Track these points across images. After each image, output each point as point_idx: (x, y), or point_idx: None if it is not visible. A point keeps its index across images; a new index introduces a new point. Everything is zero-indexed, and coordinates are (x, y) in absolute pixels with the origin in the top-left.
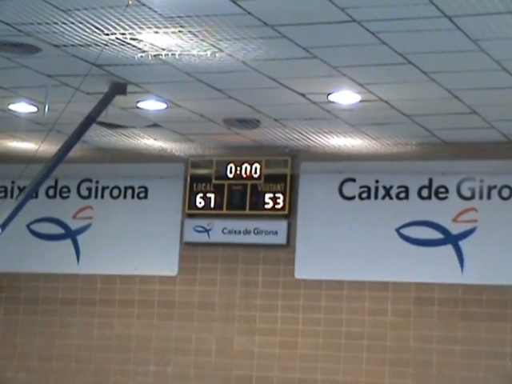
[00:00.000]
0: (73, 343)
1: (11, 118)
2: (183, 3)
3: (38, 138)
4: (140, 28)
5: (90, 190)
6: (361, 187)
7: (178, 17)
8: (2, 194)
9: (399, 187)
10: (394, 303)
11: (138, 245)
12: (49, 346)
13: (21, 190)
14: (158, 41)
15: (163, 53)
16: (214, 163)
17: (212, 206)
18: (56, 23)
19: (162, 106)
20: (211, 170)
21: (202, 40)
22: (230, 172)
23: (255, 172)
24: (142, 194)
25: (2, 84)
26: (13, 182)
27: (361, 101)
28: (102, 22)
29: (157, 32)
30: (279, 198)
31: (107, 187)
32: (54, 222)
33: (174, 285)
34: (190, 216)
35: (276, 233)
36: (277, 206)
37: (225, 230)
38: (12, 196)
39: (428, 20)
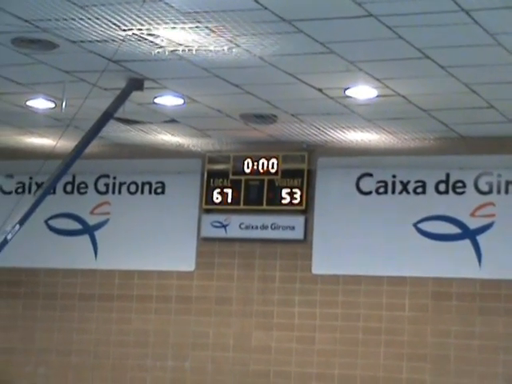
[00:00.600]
0: (91, 338)
1: (29, 114)
2: None
3: (56, 134)
4: (157, 23)
5: (107, 185)
6: (378, 182)
7: (195, 12)
8: (20, 190)
9: (416, 182)
10: (411, 298)
11: (155, 240)
12: (67, 341)
13: (39, 185)
14: (175, 36)
15: (180, 48)
16: (231, 158)
17: (229, 201)
18: (73, 19)
19: (179, 101)
20: (228, 166)
21: (218, 35)
22: (247, 167)
23: (272, 167)
24: (159, 190)
25: (20, 80)
26: (31, 178)
27: (378, 96)
28: (119, 18)
29: (174, 27)
30: (296, 193)
31: (124, 183)
32: (71, 218)
33: (191, 280)
34: (207, 211)
35: (293, 228)
36: (294, 201)
37: (242, 226)
38: (30, 192)
39: (445, 14)
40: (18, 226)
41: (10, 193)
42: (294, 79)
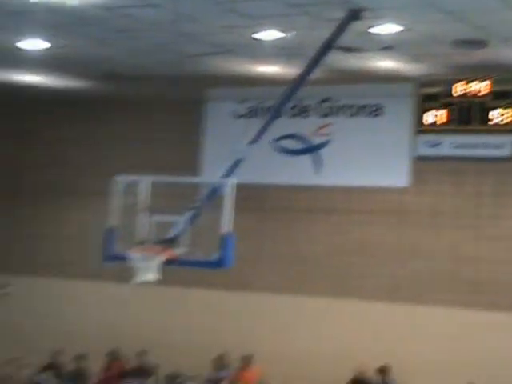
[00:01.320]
0: (315, 249)
1: (257, 45)
2: None
3: (282, 63)
4: None
5: (329, 108)
6: None
7: None
8: (252, 114)
9: None
10: None
11: (372, 159)
12: (293, 250)
13: (267, 109)
14: None
15: None
16: (443, 82)
17: (441, 122)
18: None
19: (394, 29)
20: (440, 89)
21: None
22: (459, 90)
23: (483, 89)
24: (376, 112)
25: (249, 12)
26: (260, 103)
27: None
28: None
29: None
30: (506, 113)
31: (344, 106)
32: (296, 139)
33: (406, 195)
34: (421, 132)
35: (503, 146)
36: (504, 121)
37: (453, 145)
38: (259, 115)
39: None
40: (249, 147)
41: (242, 116)
42: (505, 4)
